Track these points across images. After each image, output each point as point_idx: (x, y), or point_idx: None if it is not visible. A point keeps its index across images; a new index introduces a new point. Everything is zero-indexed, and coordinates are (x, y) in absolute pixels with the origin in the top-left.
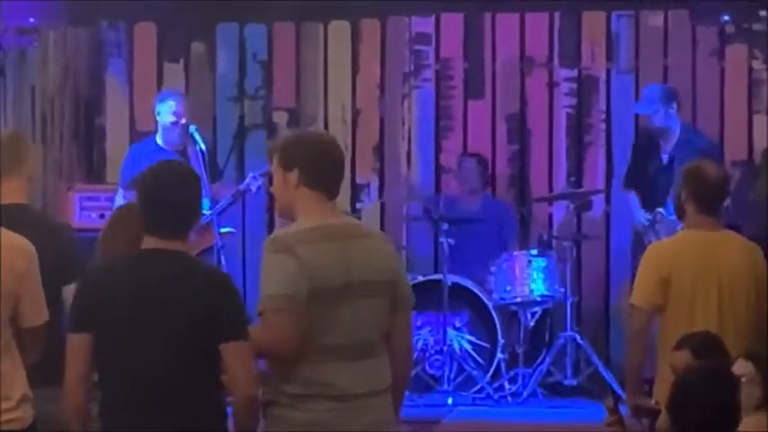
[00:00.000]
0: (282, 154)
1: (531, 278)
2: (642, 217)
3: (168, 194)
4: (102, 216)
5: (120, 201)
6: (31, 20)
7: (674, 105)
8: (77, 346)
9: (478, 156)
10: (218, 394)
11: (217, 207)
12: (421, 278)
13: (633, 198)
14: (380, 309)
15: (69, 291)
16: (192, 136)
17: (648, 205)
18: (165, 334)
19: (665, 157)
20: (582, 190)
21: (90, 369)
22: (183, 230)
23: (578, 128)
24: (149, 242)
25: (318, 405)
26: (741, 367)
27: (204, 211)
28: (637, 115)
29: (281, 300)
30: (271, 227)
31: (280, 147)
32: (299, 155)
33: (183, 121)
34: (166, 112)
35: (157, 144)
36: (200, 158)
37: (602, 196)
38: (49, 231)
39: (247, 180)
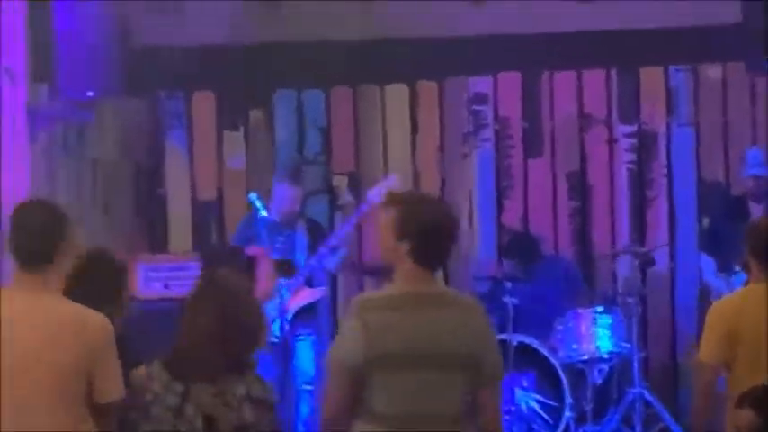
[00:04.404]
0: (397, 223)
1: (597, 335)
2: (716, 279)
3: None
4: (166, 286)
5: None
6: (89, 93)
7: None
8: None
9: (519, 242)
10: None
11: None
12: None
13: (707, 261)
14: (453, 382)
15: None
16: (252, 203)
17: (727, 268)
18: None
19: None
20: (643, 250)
21: None
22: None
23: (640, 183)
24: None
25: None
26: None
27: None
28: (699, 169)
29: (335, 364)
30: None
31: (395, 212)
32: (412, 230)
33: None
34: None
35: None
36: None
37: (666, 251)
38: None
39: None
